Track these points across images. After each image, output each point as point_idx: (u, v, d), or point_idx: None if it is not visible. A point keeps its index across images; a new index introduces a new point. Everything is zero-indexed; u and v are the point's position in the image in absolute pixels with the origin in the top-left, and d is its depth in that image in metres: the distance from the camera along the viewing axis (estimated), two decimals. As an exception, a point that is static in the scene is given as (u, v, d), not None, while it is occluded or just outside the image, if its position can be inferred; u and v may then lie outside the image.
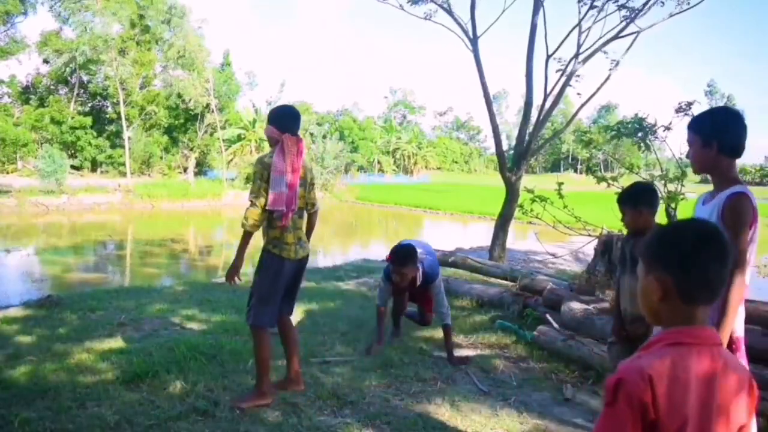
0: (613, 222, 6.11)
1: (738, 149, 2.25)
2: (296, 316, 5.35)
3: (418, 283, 4.41)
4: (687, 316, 1.21)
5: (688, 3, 7.91)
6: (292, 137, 3.30)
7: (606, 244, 5.74)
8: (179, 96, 39.65)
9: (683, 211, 5.17)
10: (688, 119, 5.24)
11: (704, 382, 1.18)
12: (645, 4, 7.89)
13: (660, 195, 5.04)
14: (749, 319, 3.91)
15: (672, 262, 1.21)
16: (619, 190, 3.15)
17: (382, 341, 4.52)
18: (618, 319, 2.97)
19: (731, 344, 2.20)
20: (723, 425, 1.20)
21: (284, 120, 3.38)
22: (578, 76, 8.35)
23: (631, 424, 1.14)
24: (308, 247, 3.52)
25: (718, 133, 2.22)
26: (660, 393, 1.14)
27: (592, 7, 8.05)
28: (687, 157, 2.40)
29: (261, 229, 3.36)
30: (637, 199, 2.88)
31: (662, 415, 1.14)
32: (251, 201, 3.28)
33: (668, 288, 1.21)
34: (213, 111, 38.58)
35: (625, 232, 3.25)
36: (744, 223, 2.11)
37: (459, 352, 4.57)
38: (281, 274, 3.35)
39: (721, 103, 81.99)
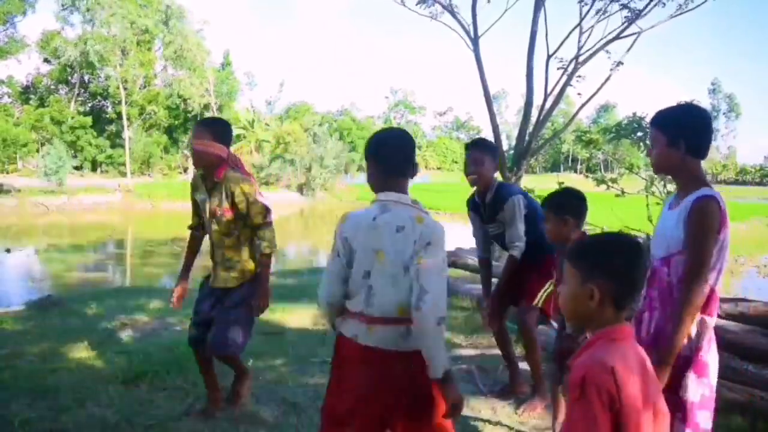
0: (613, 222, 6.11)
1: (705, 150, 2.07)
2: (297, 315, 5.36)
3: (489, 196, 3.44)
4: (616, 318, 1.37)
5: (688, 5, 7.90)
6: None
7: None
8: (179, 96, 39.71)
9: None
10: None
11: (642, 370, 1.33)
12: (647, 6, 7.88)
13: (661, 196, 5.04)
14: (749, 320, 3.92)
15: (615, 271, 1.35)
16: (620, 192, 3.18)
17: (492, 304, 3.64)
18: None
19: (685, 363, 1.95)
20: (662, 404, 1.37)
21: (230, 136, 3.11)
22: (580, 77, 8.34)
23: (602, 415, 1.23)
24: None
25: (686, 131, 2.02)
26: (622, 383, 1.25)
27: (592, 8, 8.05)
28: (648, 155, 2.26)
29: (244, 248, 3.08)
30: (562, 207, 2.69)
31: (625, 404, 1.24)
32: (270, 221, 3.03)
33: (606, 294, 1.34)
34: (213, 111, 38.60)
35: (624, 230, 3.28)
36: (709, 229, 1.93)
37: (459, 352, 4.57)
38: None
39: (723, 103, 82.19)
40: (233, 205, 2.95)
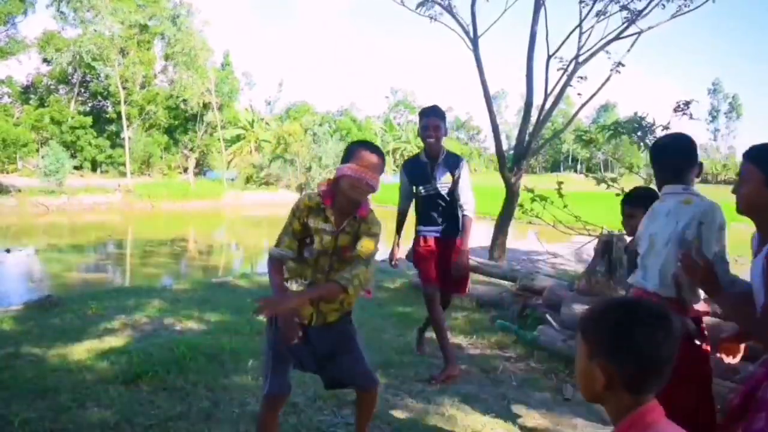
0: (613, 222, 6.11)
1: None
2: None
3: (442, 156, 3.97)
4: (636, 402, 1.11)
5: (688, 6, 7.90)
6: None
7: (606, 244, 5.73)
8: (178, 97, 39.72)
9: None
10: (686, 118, 5.24)
11: None
12: (646, 6, 7.89)
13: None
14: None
15: (626, 351, 1.09)
16: (620, 191, 3.19)
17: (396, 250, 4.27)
18: None
19: None
20: None
21: None
22: (581, 77, 8.35)
23: None
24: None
25: None
26: None
27: (593, 9, 8.05)
28: (733, 191, 1.93)
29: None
30: (643, 201, 2.68)
31: None
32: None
33: (613, 378, 1.10)
34: (214, 110, 38.62)
35: (621, 230, 3.27)
36: None
37: (459, 353, 4.57)
38: None
39: (724, 103, 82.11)
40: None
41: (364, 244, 2.45)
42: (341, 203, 2.44)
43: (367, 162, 2.38)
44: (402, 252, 4.43)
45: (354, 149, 2.44)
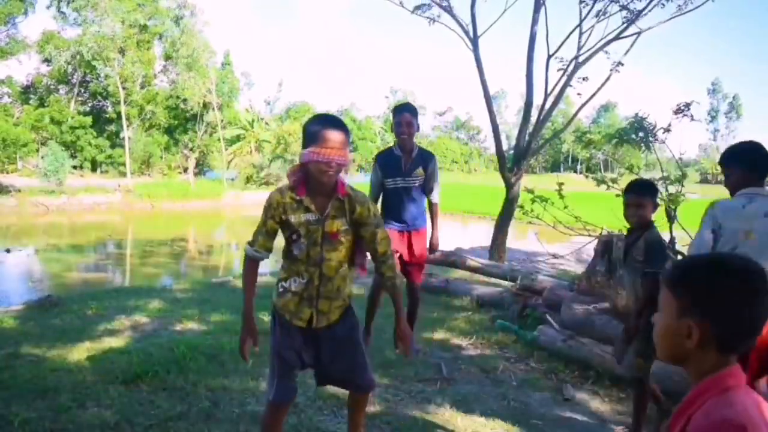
0: (613, 222, 6.10)
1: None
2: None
3: (415, 151, 4.23)
4: (721, 363, 1.10)
5: (688, 6, 7.91)
6: None
7: (606, 244, 5.73)
8: (178, 97, 39.70)
9: (683, 212, 5.17)
10: (686, 120, 5.23)
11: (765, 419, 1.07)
12: (646, 6, 7.89)
13: (660, 196, 5.04)
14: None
15: (723, 306, 1.07)
16: (620, 192, 3.25)
17: None
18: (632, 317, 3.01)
19: None
20: None
21: None
22: (582, 78, 8.34)
23: None
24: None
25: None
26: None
27: (593, 8, 8.05)
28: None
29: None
30: (650, 190, 3.01)
31: None
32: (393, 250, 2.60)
33: (707, 335, 1.08)
34: (214, 110, 38.62)
35: (624, 231, 3.30)
36: None
37: (459, 352, 4.57)
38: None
39: (724, 103, 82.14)
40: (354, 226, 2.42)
41: (380, 235, 2.44)
42: (315, 188, 2.31)
43: (331, 141, 2.22)
44: None
45: (314, 130, 2.26)
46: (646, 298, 2.85)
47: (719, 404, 1.06)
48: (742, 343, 1.09)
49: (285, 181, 2.44)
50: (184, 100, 40.21)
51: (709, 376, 1.10)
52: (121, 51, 36.86)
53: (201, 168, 42.30)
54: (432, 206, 4.40)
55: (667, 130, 5.05)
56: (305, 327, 2.42)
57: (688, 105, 5.06)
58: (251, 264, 2.44)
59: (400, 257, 4.22)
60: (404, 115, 4.18)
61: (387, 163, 4.26)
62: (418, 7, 8.93)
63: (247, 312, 2.45)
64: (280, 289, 2.45)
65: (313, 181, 2.30)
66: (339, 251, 2.38)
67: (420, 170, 4.23)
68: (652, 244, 2.92)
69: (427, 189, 4.31)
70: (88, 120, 39.10)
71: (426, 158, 4.30)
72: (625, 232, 3.18)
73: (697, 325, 1.07)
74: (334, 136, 2.24)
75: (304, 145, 2.29)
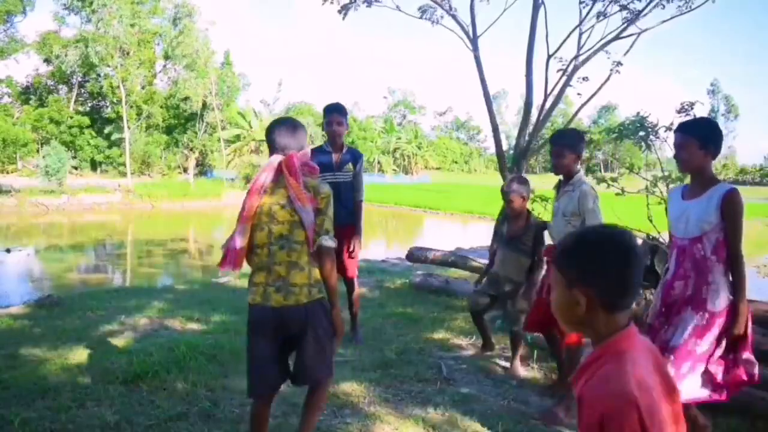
0: (613, 222, 6.11)
1: (718, 153, 2.73)
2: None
3: (344, 148, 4.54)
4: (613, 322, 1.24)
5: (689, 5, 7.89)
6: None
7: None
8: (179, 98, 39.69)
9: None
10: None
11: (658, 375, 1.22)
12: (646, 6, 7.88)
13: (661, 196, 5.04)
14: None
15: (601, 274, 1.23)
16: (620, 191, 3.48)
17: None
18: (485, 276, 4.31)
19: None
20: (674, 399, 1.25)
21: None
22: (582, 78, 8.33)
23: None
24: (295, 292, 2.47)
25: (714, 139, 2.69)
26: (649, 415, 1.11)
27: (593, 8, 8.05)
28: (675, 157, 2.75)
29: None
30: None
31: (648, 426, 1.12)
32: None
33: (592, 300, 1.22)
34: (215, 110, 38.61)
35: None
36: (742, 215, 2.61)
37: (459, 352, 4.57)
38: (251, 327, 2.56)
39: (722, 103, 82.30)
40: None
41: None
42: None
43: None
44: None
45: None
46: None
47: (614, 370, 1.18)
48: (625, 301, 1.25)
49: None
50: (184, 99, 40.22)
51: (605, 339, 1.24)
52: (122, 51, 36.88)
53: (201, 168, 42.29)
54: (357, 203, 4.62)
55: (669, 128, 5.05)
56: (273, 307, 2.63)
57: (692, 104, 5.06)
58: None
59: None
60: (334, 115, 4.46)
61: (317, 160, 4.31)
62: (424, 12, 8.93)
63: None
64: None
65: None
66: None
67: (350, 166, 4.51)
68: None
69: (354, 185, 4.57)
70: (87, 120, 39.10)
71: (355, 155, 4.62)
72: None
73: (583, 293, 1.23)
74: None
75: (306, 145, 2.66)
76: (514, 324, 4.05)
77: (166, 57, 41.82)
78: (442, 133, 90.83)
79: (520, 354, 4.21)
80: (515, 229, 4.02)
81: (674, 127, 5.18)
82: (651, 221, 5.24)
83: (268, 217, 2.48)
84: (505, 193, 3.95)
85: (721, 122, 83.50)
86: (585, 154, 4.27)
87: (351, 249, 4.54)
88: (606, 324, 1.24)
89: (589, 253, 1.25)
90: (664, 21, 8.20)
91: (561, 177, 3.53)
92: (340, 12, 8.78)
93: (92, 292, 7.13)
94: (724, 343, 2.60)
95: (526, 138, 8.84)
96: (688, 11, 7.96)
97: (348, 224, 4.49)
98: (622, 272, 1.23)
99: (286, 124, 2.63)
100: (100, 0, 33.87)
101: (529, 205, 4.26)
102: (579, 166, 3.43)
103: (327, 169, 4.42)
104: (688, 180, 2.89)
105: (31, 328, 4.96)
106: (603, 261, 1.23)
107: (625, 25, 8.06)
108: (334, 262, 2.53)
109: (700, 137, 2.66)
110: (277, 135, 2.57)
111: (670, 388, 1.25)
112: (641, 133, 5.16)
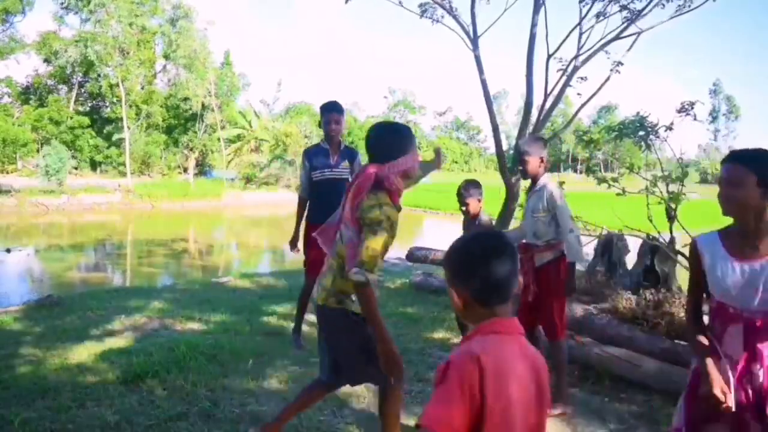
0: (613, 222, 6.10)
1: None
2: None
3: (341, 146, 4.55)
4: (492, 313, 1.38)
5: (689, 5, 7.89)
6: None
7: (606, 245, 5.73)
8: (178, 98, 39.69)
9: (683, 212, 5.16)
10: (689, 119, 5.23)
11: (520, 366, 1.32)
12: (646, 6, 7.87)
13: (661, 195, 5.03)
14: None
15: (465, 277, 1.39)
16: (620, 191, 3.36)
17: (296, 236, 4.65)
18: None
19: None
20: (539, 402, 1.35)
21: None
22: (582, 78, 8.33)
23: (459, 402, 1.24)
24: (320, 292, 2.57)
25: None
26: (487, 374, 1.24)
27: (593, 8, 8.05)
28: (719, 196, 1.98)
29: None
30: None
31: (489, 396, 1.24)
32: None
33: (467, 298, 1.39)
34: (214, 110, 38.59)
35: (624, 230, 3.47)
36: None
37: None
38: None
39: (723, 104, 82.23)
40: None
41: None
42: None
43: (415, 146, 2.58)
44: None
45: (409, 139, 2.55)
46: None
47: (478, 341, 1.34)
48: (497, 298, 1.39)
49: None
50: (184, 100, 40.22)
51: (479, 323, 1.39)
52: (122, 51, 36.87)
53: (201, 168, 42.27)
54: None
55: (669, 128, 5.04)
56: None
57: (692, 104, 5.05)
58: (373, 290, 2.33)
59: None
60: (332, 114, 4.49)
61: (315, 157, 4.55)
62: (424, 11, 8.92)
63: (388, 337, 2.38)
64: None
65: (403, 186, 2.56)
66: None
67: (347, 163, 4.55)
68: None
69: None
70: (87, 120, 39.09)
71: (352, 153, 4.65)
72: (623, 231, 3.45)
73: (458, 292, 1.40)
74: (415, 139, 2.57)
75: (394, 155, 2.46)
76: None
77: (166, 57, 41.83)
78: (442, 133, 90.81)
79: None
80: (471, 229, 4.24)
81: (674, 126, 5.18)
82: (651, 221, 5.24)
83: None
84: (462, 196, 4.23)
85: (722, 123, 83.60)
86: (552, 156, 4.35)
87: None
88: (483, 315, 1.39)
89: (458, 261, 1.42)
90: (662, 22, 8.20)
91: (530, 181, 3.79)
92: None
93: (92, 292, 7.13)
94: None
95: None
96: (688, 10, 7.96)
97: None
98: (487, 276, 1.37)
99: (374, 130, 2.64)
100: (98, 0, 33.86)
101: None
102: (543, 169, 3.65)
103: (324, 165, 4.50)
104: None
105: (31, 328, 4.96)
106: (469, 267, 1.39)
107: (625, 24, 8.05)
108: (366, 295, 2.31)
109: (760, 170, 1.91)
110: (368, 141, 2.60)
111: (539, 397, 1.34)
112: (641, 133, 5.15)
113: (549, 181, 3.64)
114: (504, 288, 1.38)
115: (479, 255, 1.39)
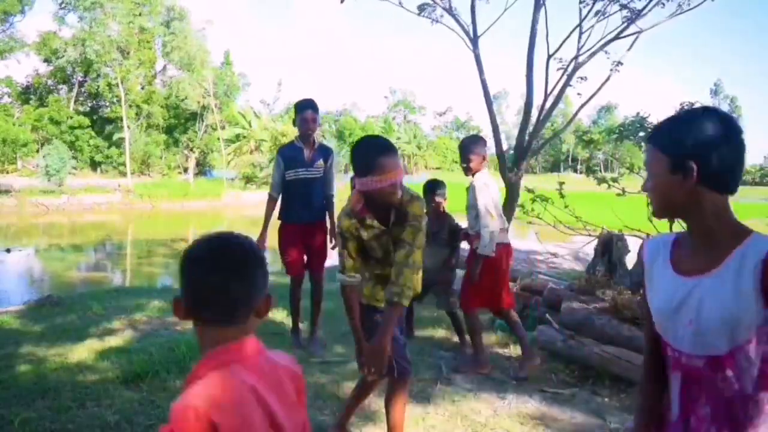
0: (614, 222, 6.10)
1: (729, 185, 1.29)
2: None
3: (316, 144, 4.52)
4: (218, 338, 1.16)
5: (690, 3, 7.89)
6: None
7: (606, 245, 5.73)
8: (177, 97, 39.68)
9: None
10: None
11: (262, 390, 1.14)
12: (646, 5, 7.87)
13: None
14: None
15: (182, 283, 1.19)
16: (620, 191, 3.38)
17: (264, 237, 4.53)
18: None
19: None
20: (294, 416, 1.21)
21: None
22: (582, 78, 8.33)
23: None
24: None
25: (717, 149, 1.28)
26: (220, 419, 1.06)
27: (593, 8, 8.05)
28: (644, 188, 1.40)
29: None
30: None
31: None
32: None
33: (184, 310, 1.19)
34: (213, 111, 38.58)
35: (625, 231, 3.48)
36: None
37: (459, 352, 4.56)
38: None
39: (725, 104, 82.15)
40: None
41: (407, 234, 2.54)
42: (379, 208, 2.52)
43: (389, 166, 2.37)
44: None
45: (369, 161, 2.39)
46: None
47: (204, 381, 1.11)
48: (205, 312, 1.16)
49: None
50: (184, 99, 40.22)
51: (211, 349, 1.16)
52: (122, 51, 36.86)
53: (201, 168, 42.26)
54: (328, 198, 4.58)
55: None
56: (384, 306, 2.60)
57: (691, 105, 5.06)
58: (351, 292, 2.60)
59: (301, 251, 4.56)
60: (308, 111, 4.44)
61: (290, 155, 4.50)
62: (422, 9, 8.91)
63: (358, 335, 2.61)
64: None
65: (374, 203, 2.51)
66: (405, 246, 2.55)
67: (321, 162, 4.51)
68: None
69: (326, 181, 4.53)
70: (87, 120, 39.08)
71: (327, 152, 4.61)
72: (623, 231, 3.51)
73: (177, 302, 1.19)
74: (391, 161, 2.39)
75: (361, 173, 2.41)
76: (449, 307, 4.65)
77: (166, 55, 41.83)
78: (442, 133, 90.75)
79: (519, 354, 4.21)
80: (436, 226, 4.45)
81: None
82: (651, 221, 5.23)
83: None
84: (435, 195, 4.50)
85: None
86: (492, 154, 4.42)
87: (332, 245, 4.56)
88: (211, 338, 1.17)
89: (181, 267, 1.20)
90: (659, 22, 8.20)
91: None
92: None
93: (92, 292, 7.13)
94: None
95: (527, 138, 8.84)
96: (688, 10, 7.96)
97: (318, 220, 4.55)
98: (199, 283, 1.16)
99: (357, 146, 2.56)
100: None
101: (528, 205, 4.53)
102: (483, 166, 4.05)
103: (299, 165, 4.45)
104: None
105: (31, 328, 4.96)
106: (184, 272, 1.19)
107: (626, 24, 8.05)
108: (349, 298, 2.60)
109: (672, 148, 1.29)
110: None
111: (299, 400, 1.24)
112: (641, 134, 5.16)
113: (480, 178, 4.02)
114: (220, 302, 1.15)
115: (195, 260, 1.18)
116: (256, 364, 1.18)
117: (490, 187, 4.01)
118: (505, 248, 4.07)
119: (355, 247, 2.57)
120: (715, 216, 1.27)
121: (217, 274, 1.15)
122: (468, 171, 4.08)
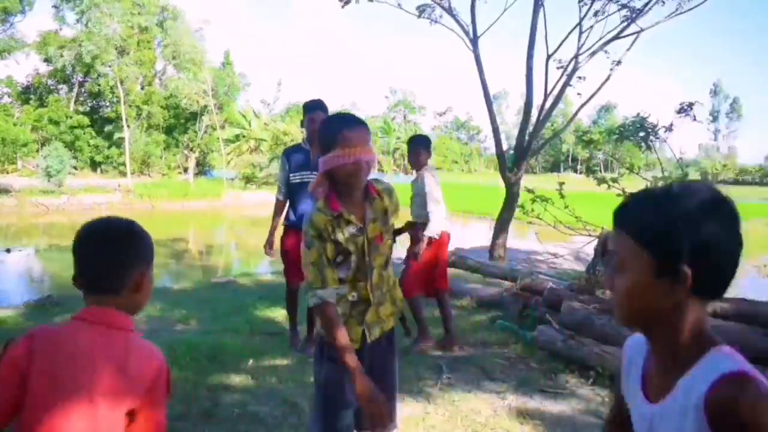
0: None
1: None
2: (297, 315, 5.33)
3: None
4: (87, 303, 1.40)
5: (690, 3, 7.90)
6: None
7: (606, 244, 5.74)
8: (175, 97, 39.69)
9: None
10: (688, 119, 5.24)
11: (78, 350, 1.35)
12: (645, 5, 7.88)
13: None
14: (750, 319, 3.92)
15: (74, 263, 1.42)
16: (620, 191, 3.38)
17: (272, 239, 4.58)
18: None
19: None
20: (116, 387, 1.39)
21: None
22: (581, 77, 8.34)
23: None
24: None
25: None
26: (36, 348, 1.35)
27: (592, 7, 8.05)
28: (608, 286, 1.30)
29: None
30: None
31: (33, 368, 1.31)
32: None
33: (73, 279, 1.42)
34: (212, 111, 38.59)
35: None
36: None
37: (460, 352, 4.56)
38: None
39: (725, 104, 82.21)
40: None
41: (387, 236, 2.17)
42: (347, 196, 2.04)
43: (354, 139, 1.95)
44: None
45: (331, 133, 2.00)
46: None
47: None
48: (88, 283, 1.40)
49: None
50: (183, 99, 40.22)
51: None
52: (121, 51, 36.85)
53: (201, 168, 42.26)
54: None
55: (668, 129, 5.05)
56: (358, 348, 2.05)
57: (691, 105, 5.07)
58: (333, 308, 1.99)
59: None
60: (317, 112, 4.35)
61: (296, 158, 4.41)
62: (422, 12, 8.93)
63: (356, 366, 1.93)
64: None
65: (343, 189, 2.03)
66: (383, 254, 2.13)
67: None
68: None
69: None
70: (87, 120, 39.08)
71: None
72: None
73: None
74: (356, 133, 1.97)
75: (324, 150, 2.01)
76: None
77: (164, 57, 41.84)
78: (442, 133, 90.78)
79: (521, 353, 4.21)
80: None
81: (674, 127, 5.18)
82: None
83: None
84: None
85: (723, 122, 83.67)
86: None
87: (270, 252, 4.53)
88: (85, 301, 1.41)
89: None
90: (659, 22, 8.20)
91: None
92: (340, 0, 8.76)
93: (92, 292, 7.12)
94: None
95: (527, 138, 8.84)
96: (688, 9, 7.97)
97: None
98: (75, 255, 1.41)
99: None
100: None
101: (528, 206, 4.54)
102: (427, 162, 4.55)
103: (304, 167, 4.33)
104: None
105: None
106: (74, 247, 1.43)
107: (625, 24, 8.06)
108: (333, 316, 1.98)
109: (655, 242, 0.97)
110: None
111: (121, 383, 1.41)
112: (641, 134, 5.16)
113: (426, 172, 4.50)
114: (88, 273, 1.40)
115: (78, 234, 1.43)
116: (67, 329, 1.39)
117: (434, 177, 4.53)
118: (446, 234, 4.53)
119: (333, 252, 2.01)
120: (692, 329, 0.98)
121: (85, 248, 1.41)
122: (415, 165, 4.60)
